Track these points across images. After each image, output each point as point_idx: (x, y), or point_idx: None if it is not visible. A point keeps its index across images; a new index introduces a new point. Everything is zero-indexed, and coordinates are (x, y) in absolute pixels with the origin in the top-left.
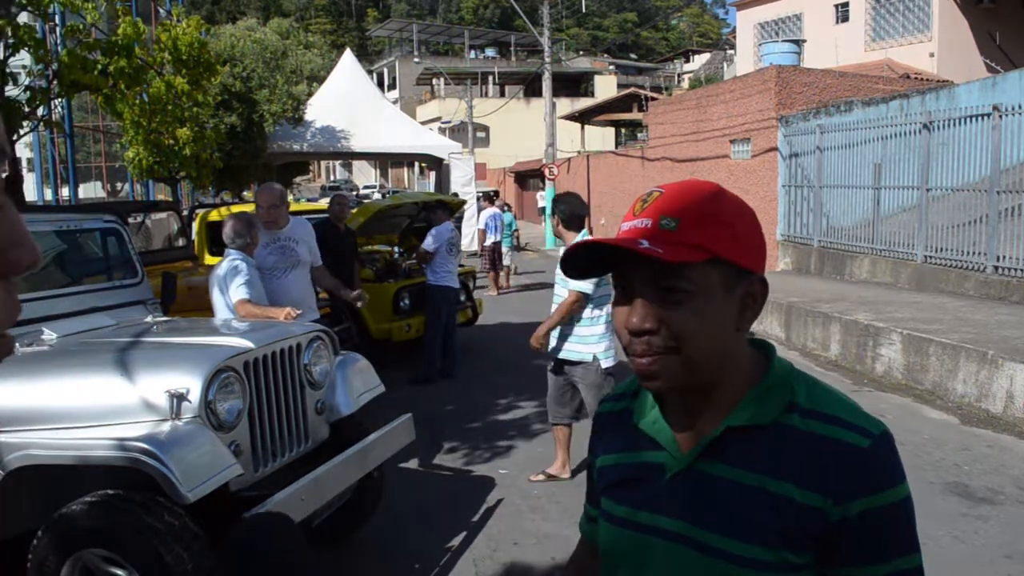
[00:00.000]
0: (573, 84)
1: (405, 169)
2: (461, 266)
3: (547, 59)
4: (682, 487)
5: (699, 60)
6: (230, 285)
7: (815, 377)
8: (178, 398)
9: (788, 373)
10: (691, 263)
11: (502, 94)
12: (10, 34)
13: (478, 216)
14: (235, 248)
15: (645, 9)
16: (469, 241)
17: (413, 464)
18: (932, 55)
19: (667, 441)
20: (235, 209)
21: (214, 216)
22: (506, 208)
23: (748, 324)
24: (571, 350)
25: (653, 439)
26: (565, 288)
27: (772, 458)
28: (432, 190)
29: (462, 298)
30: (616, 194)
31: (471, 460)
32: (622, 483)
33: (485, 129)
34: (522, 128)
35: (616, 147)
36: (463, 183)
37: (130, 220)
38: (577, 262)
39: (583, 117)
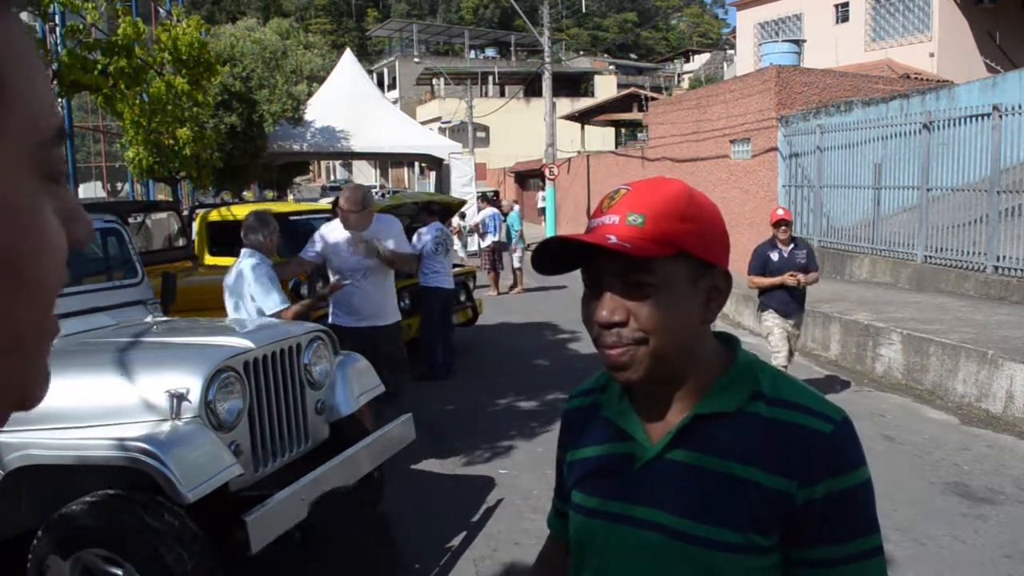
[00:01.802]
0: (573, 84)
1: (405, 169)
2: (461, 266)
3: (547, 59)
4: (652, 475)
5: (699, 60)
6: (257, 295)
7: (778, 368)
8: (178, 398)
9: (753, 364)
10: (657, 257)
11: (502, 94)
12: None
13: (477, 215)
14: (250, 245)
15: (645, 9)
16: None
17: (413, 464)
18: (932, 55)
19: (637, 431)
20: (235, 209)
21: (214, 216)
22: (514, 205)
23: (713, 316)
24: None
25: (623, 430)
26: None
27: (739, 444)
28: (432, 190)
29: (461, 298)
30: None
31: (471, 460)
32: (593, 474)
33: (485, 129)
34: (522, 128)
35: (616, 147)
36: (463, 183)
37: (130, 220)
38: (547, 257)
39: (583, 117)
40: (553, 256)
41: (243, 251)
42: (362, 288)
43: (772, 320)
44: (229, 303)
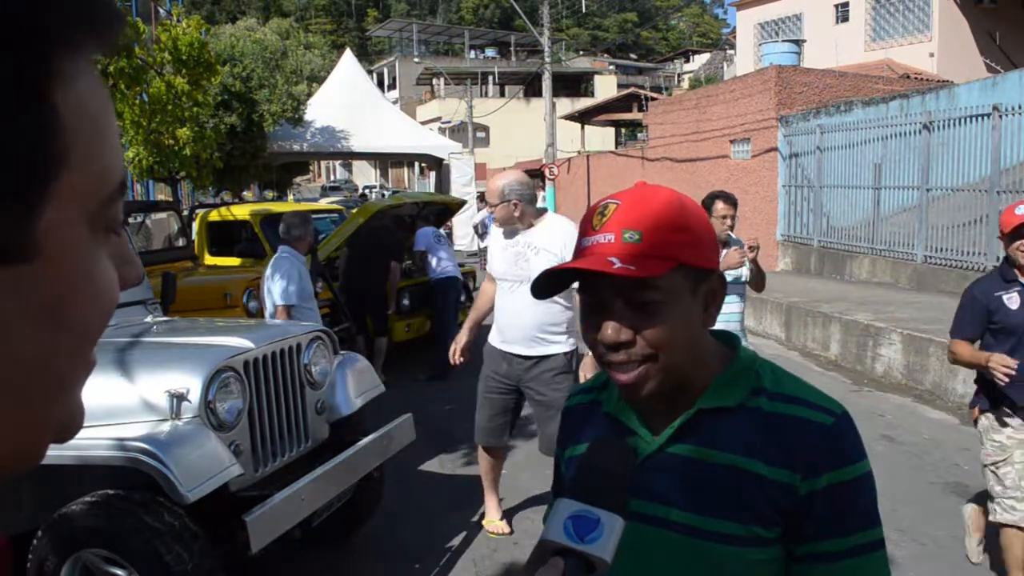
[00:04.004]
0: (573, 84)
1: (405, 169)
2: (461, 265)
3: (547, 59)
4: (653, 469)
5: (699, 60)
6: (272, 286)
7: (778, 365)
8: (178, 398)
9: (753, 360)
10: (660, 274)
11: (502, 94)
12: None
13: (476, 215)
14: (283, 243)
15: (645, 9)
16: (469, 241)
17: (413, 464)
18: (932, 55)
19: (638, 426)
20: (235, 209)
21: (214, 216)
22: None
23: (713, 320)
24: None
25: (624, 424)
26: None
27: (741, 437)
28: (432, 190)
29: (462, 298)
30: None
31: (471, 460)
32: None
33: (485, 129)
34: (522, 128)
35: (616, 147)
36: (463, 183)
37: (130, 220)
38: (541, 282)
39: (583, 117)
40: (550, 276)
41: (282, 247)
42: (511, 301)
43: (1011, 432)
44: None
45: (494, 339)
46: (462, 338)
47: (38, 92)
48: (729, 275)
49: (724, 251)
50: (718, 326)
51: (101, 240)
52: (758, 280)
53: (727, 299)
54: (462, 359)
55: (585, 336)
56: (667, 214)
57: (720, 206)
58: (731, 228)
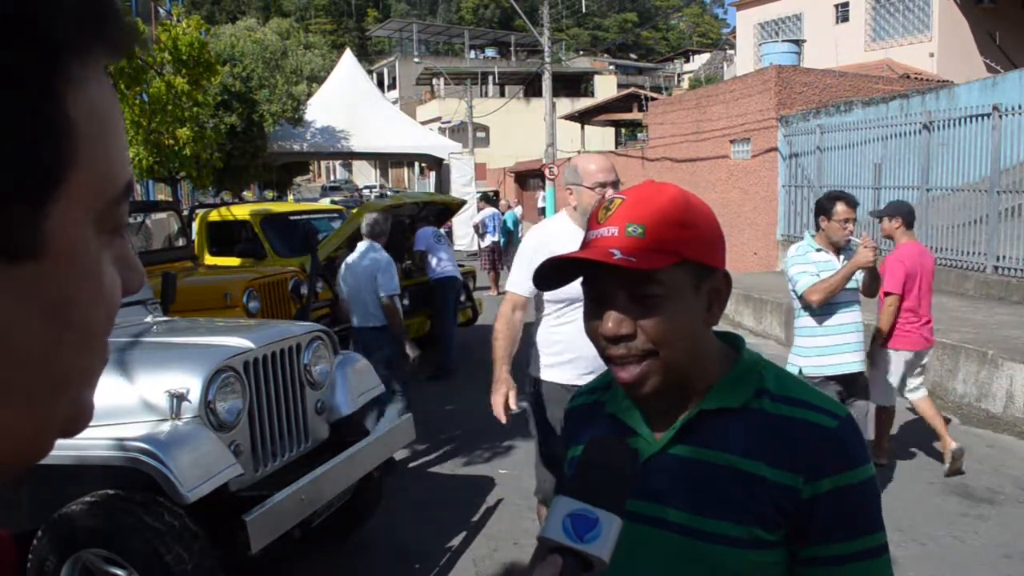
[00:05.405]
0: (573, 84)
1: (405, 169)
2: (461, 265)
3: (547, 59)
4: (654, 470)
5: (699, 60)
6: (383, 278)
7: (783, 367)
8: (178, 398)
9: (757, 362)
10: (662, 268)
11: (502, 94)
12: None
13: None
14: (374, 237)
15: (645, 9)
16: (469, 241)
17: (413, 464)
18: (932, 55)
19: (640, 427)
20: (235, 209)
21: (214, 216)
22: (511, 205)
23: (716, 319)
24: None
25: (627, 425)
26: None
27: (743, 439)
28: (432, 190)
29: (462, 298)
30: None
31: (471, 460)
32: None
33: (485, 129)
34: (522, 128)
35: (616, 147)
36: (463, 183)
37: (130, 220)
38: (548, 275)
39: (583, 117)
40: (554, 271)
41: (368, 243)
42: (572, 320)
43: None
44: (349, 281)
45: (558, 377)
46: (507, 388)
47: (48, 93)
48: (852, 281)
49: (840, 257)
50: (836, 341)
51: (107, 241)
52: (874, 285)
53: (847, 307)
54: (515, 410)
55: (587, 329)
56: (671, 210)
57: (841, 208)
58: (851, 233)
